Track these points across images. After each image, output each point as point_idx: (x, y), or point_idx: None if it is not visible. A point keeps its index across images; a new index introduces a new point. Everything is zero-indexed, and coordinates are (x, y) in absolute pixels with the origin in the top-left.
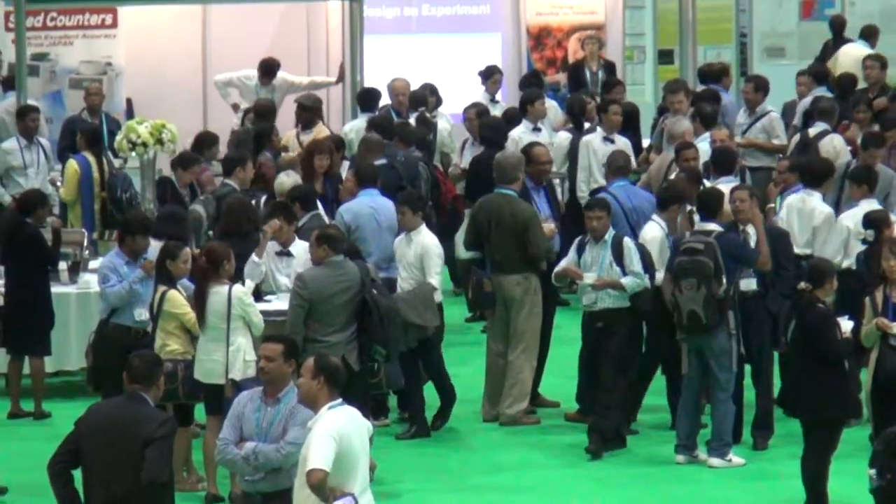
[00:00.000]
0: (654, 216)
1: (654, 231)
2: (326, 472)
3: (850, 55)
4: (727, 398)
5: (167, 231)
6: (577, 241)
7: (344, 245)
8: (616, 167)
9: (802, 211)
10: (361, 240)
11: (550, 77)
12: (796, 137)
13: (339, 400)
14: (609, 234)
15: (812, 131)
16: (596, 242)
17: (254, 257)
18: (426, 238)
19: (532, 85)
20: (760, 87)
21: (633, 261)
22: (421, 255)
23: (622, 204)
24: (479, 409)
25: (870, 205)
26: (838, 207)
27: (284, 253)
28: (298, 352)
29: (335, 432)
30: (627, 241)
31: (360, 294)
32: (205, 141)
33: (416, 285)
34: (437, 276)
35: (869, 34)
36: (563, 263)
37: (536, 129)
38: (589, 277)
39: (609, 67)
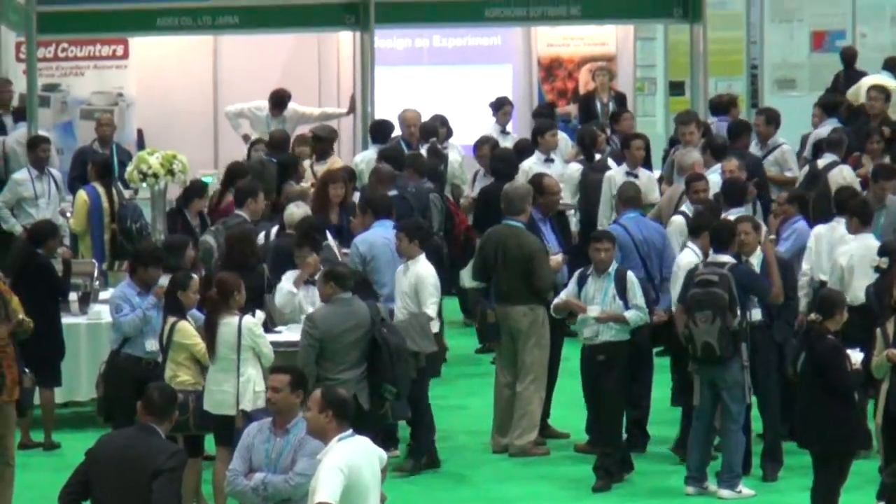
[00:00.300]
0: (689, 243)
1: (689, 257)
2: None
3: (868, 83)
4: (738, 429)
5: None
6: (577, 273)
7: (351, 282)
8: (626, 198)
9: (832, 239)
10: (376, 270)
11: (561, 108)
12: (805, 168)
13: (350, 431)
14: (612, 267)
15: (821, 163)
16: (599, 275)
17: (291, 287)
18: (421, 268)
19: (544, 116)
20: (772, 119)
21: (637, 294)
22: (415, 284)
23: (633, 235)
24: (489, 441)
25: (864, 240)
26: None
27: (310, 282)
28: (306, 383)
29: (344, 464)
30: (630, 275)
31: (370, 333)
32: (237, 172)
33: (408, 315)
34: (432, 306)
35: (893, 66)
36: (562, 295)
37: (549, 161)
38: (593, 310)
39: (620, 99)
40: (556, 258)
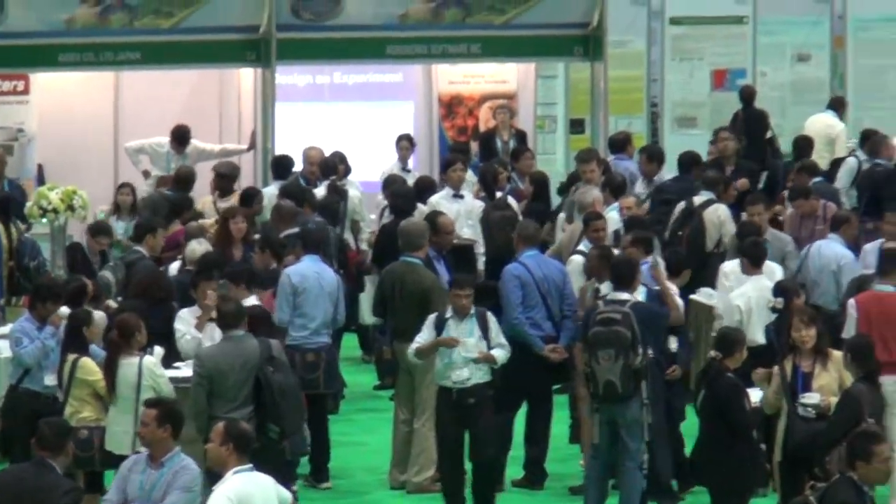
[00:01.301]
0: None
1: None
2: None
3: (819, 122)
4: (636, 467)
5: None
6: (433, 318)
7: (242, 321)
8: (526, 236)
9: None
10: (307, 303)
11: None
12: (681, 205)
13: (249, 465)
14: (472, 309)
15: (697, 200)
16: (461, 319)
17: (195, 333)
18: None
19: (458, 152)
20: (655, 157)
21: (500, 333)
22: None
23: (533, 273)
24: (387, 477)
25: (758, 281)
26: None
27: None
28: (176, 417)
29: (234, 494)
30: (490, 315)
31: (256, 371)
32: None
33: None
34: None
35: (837, 105)
36: (419, 340)
37: (458, 196)
38: (469, 344)
39: (520, 136)
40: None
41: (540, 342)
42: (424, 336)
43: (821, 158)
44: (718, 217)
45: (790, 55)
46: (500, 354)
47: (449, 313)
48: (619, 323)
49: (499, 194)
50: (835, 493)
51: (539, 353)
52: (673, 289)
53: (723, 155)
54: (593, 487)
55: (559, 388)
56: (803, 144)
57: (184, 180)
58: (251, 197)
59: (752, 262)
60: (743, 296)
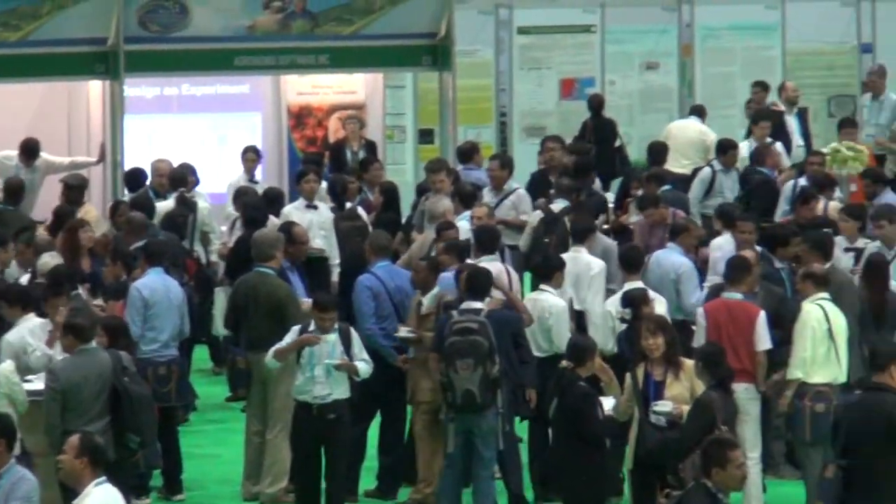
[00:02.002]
0: (544, 286)
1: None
2: None
3: (692, 129)
4: (490, 476)
5: None
6: (297, 328)
7: (92, 333)
8: (378, 247)
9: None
10: (157, 316)
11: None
12: (538, 213)
13: (104, 478)
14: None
15: (555, 207)
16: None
17: (46, 350)
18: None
19: (310, 163)
20: (506, 164)
21: (362, 347)
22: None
23: (385, 284)
24: (240, 489)
25: (631, 286)
26: None
27: None
28: (10, 431)
29: None
30: (352, 330)
31: (110, 382)
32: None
33: None
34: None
35: (700, 112)
36: (282, 345)
37: (311, 206)
38: (331, 356)
39: (370, 146)
40: (307, 303)
41: (393, 352)
42: (286, 341)
43: (694, 166)
44: None
45: (638, 64)
46: (364, 368)
47: (312, 327)
48: (476, 332)
49: (349, 205)
50: (689, 500)
51: (392, 364)
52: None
53: (549, 165)
54: (446, 496)
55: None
56: (658, 150)
57: (12, 192)
58: (115, 208)
59: (628, 268)
60: (614, 304)
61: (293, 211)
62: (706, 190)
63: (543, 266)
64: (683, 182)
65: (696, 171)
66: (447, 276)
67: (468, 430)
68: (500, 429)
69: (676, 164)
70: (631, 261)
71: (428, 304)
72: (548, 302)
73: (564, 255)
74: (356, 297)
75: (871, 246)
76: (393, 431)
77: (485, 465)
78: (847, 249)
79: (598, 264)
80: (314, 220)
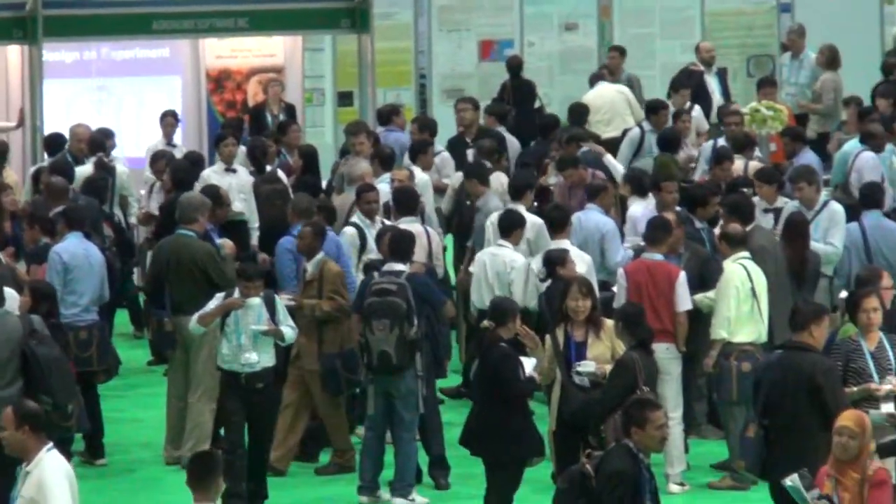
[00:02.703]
0: (503, 242)
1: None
2: None
3: (611, 90)
4: (411, 438)
5: None
6: (221, 295)
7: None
8: (300, 210)
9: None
10: (77, 280)
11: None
12: (458, 175)
13: (51, 444)
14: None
15: None
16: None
17: None
18: None
19: (229, 128)
20: (426, 126)
21: (287, 315)
22: None
23: None
24: (162, 453)
25: (557, 245)
26: None
27: None
28: None
29: (65, 474)
30: (277, 298)
31: (20, 347)
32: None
33: None
34: None
35: (601, 76)
36: (204, 311)
37: (230, 170)
38: (257, 322)
39: (289, 110)
40: (230, 243)
41: None
42: (210, 306)
43: (625, 124)
44: (501, 185)
45: (557, 25)
46: (289, 333)
47: (237, 294)
48: (394, 294)
49: (269, 168)
50: (610, 460)
51: None
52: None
53: (461, 125)
54: (368, 458)
55: None
56: (579, 111)
57: None
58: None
59: (554, 227)
60: (539, 262)
61: (212, 175)
62: (635, 150)
63: (558, 217)
64: (614, 145)
65: (625, 132)
66: (331, 238)
67: (387, 391)
68: (419, 392)
69: (605, 129)
70: (557, 220)
71: (311, 271)
72: (508, 257)
73: (499, 213)
74: (277, 261)
75: (789, 205)
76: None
77: (405, 427)
78: (766, 210)
79: (537, 222)
80: (233, 184)
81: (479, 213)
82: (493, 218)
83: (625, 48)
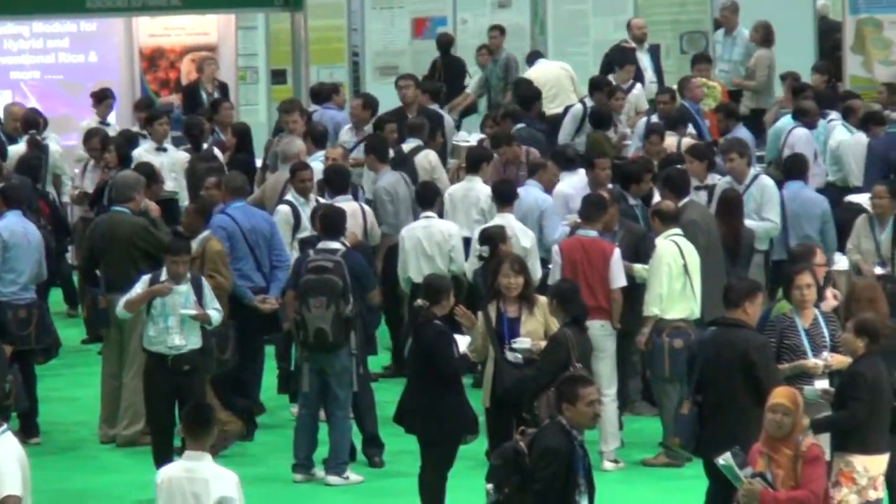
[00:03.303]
0: (429, 213)
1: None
2: (20, 498)
3: (553, 66)
4: (345, 416)
5: None
6: (147, 277)
7: None
8: (233, 188)
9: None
10: (16, 258)
11: (164, 98)
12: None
13: (5, 426)
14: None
15: (406, 147)
16: (177, 283)
17: None
18: None
19: (146, 108)
20: (369, 104)
21: (213, 298)
22: None
23: (241, 225)
24: (97, 431)
25: (503, 219)
26: None
27: None
28: None
29: (18, 456)
30: (204, 280)
31: None
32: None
33: None
34: None
35: (539, 54)
36: (130, 296)
37: (161, 149)
38: (186, 309)
39: (222, 88)
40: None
41: (249, 293)
42: (136, 291)
43: (569, 101)
44: (430, 162)
45: (490, 2)
46: (216, 316)
47: (164, 276)
48: (330, 271)
49: (205, 146)
50: (543, 437)
51: (249, 304)
52: None
53: (403, 101)
54: (303, 436)
55: (268, 338)
56: (532, 92)
57: None
58: None
59: (501, 201)
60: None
61: (143, 153)
62: (577, 127)
63: (505, 191)
64: (557, 121)
65: (568, 108)
66: (265, 216)
67: (321, 369)
68: (353, 369)
69: (550, 105)
70: (504, 194)
71: (196, 248)
72: (444, 227)
73: (459, 185)
74: None
75: (721, 182)
76: (250, 373)
77: (340, 405)
78: (697, 188)
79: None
80: (164, 163)
81: (377, 189)
82: (451, 191)
83: (505, 27)
